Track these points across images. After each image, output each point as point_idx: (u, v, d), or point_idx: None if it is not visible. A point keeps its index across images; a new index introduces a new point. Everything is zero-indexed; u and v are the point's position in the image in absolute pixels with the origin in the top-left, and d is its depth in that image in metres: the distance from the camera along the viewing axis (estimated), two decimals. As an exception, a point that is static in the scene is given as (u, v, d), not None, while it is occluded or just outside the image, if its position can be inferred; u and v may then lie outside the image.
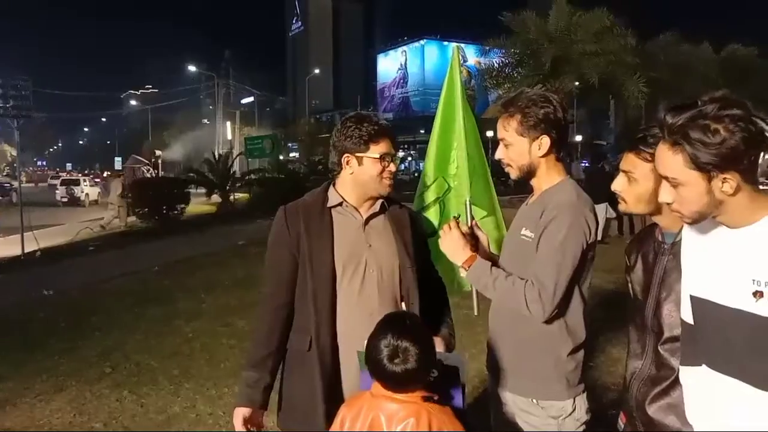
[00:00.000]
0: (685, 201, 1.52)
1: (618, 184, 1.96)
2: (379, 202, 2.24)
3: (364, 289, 2.15)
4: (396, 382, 1.74)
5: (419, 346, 1.74)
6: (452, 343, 2.35)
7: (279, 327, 2.20)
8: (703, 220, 1.57)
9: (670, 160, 1.49)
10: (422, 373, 1.74)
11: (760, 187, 1.51)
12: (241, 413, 2.15)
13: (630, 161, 1.92)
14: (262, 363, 2.20)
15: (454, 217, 2.35)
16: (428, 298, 2.29)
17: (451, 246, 2.19)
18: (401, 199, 2.38)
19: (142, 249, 13.94)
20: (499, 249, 2.38)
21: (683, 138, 1.45)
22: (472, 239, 2.28)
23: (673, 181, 1.51)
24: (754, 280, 1.48)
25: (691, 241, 1.72)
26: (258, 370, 2.19)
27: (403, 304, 2.23)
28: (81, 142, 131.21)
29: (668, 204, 1.57)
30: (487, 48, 20.03)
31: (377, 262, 2.17)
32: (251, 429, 2.13)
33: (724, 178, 1.44)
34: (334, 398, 2.03)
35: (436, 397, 1.79)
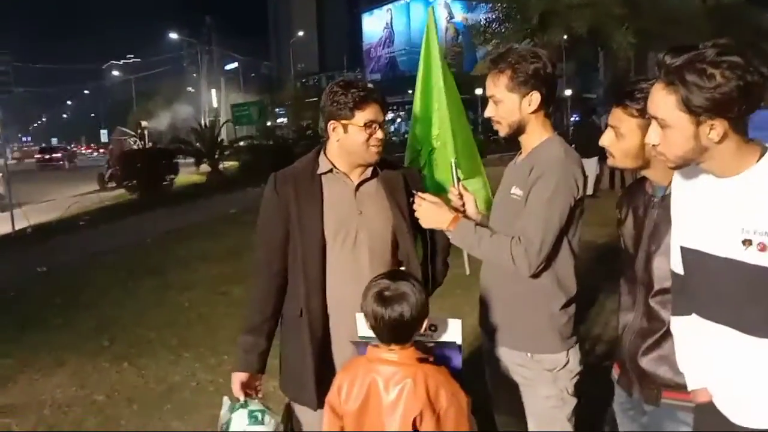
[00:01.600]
0: (670, 144, 1.52)
1: (606, 140, 1.95)
2: (371, 167, 2.22)
3: (355, 255, 2.15)
4: (392, 331, 1.77)
5: (413, 289, 1.78)
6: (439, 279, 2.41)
7: (273, 293, 2.22)
8: (686, 165, 1.58)
9: (663, 100, 1.49)
10: (417, 321, 1.77)
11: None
12: (238, 378, 2.18)
13: (617, 116, 1.91)
14: (257, 329, 2.22)
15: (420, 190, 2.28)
16: (428, 254, 2.31)
17: (429, 215, 2.16)
18: (392, 161, 2.36)
19: (133, 221, 13.89)
20: (488, 208, 2.38)
21: (678, 79, 1.44)
22: (460, 199, 2.28)
23: (662, 122, 1.51)
24: (743, 229, 1.50)
25: (680, 192, 1.72)
26: (254, 336, 2.22)
27: (403, 269, 2.23)
28: (65, 116, 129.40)
29: (654, 146, 1.57)
30: (474, 3, 19.75)
31: (369, 228, 2.16)
32: (249, 393, 2.15)
33: (712, 125, 1.45)
34: (324, 364, 2.08)
35: (431, 359, 1.82)
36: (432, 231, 2.26)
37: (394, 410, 1.75)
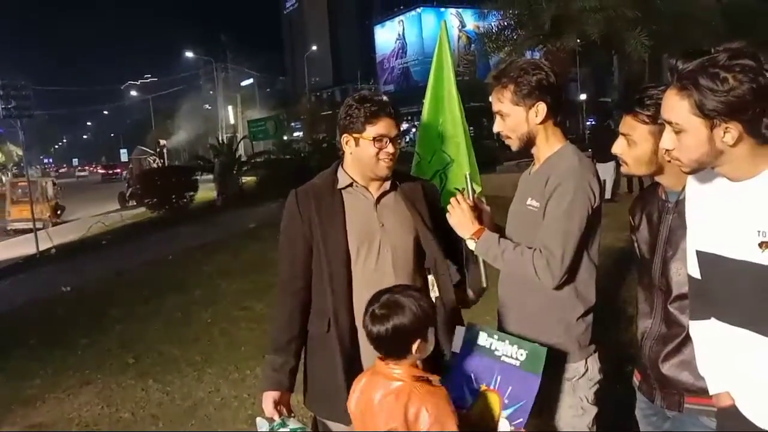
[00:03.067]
0: (685, 148, 1.53)
1: (618, 147, 1.96)
2: (389, 180, 2.23)
3: (379, 268, 2.16)
4: (380, 346, 1.82)
5: (404, 303, 1.79)
6: (483, 285, 2.43)
7: (298, 311, 2.23)
8: (701, 169, 1.59)
9: (676, 105, 1.50)
10: (406, 335, 1.78)
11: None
12: (270, 397, 2.18)
13: (628, 124, 1.92)
14: (285, 347, 2.23)
15: (458, 190, 2.36)
16: (455, 260, 2.32)
17: (460, 219, 2.19)
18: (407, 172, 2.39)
19: (154, 239, 14.06)
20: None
21: (692, 83, 1.45)
22: (476, 211, 2.30)
23: (676, 126, 1.52)
24: (759, 231, 1.50)
25: (694, 197, 1.73)
26: (282, 355, 2.23)
27: (431, 277, 2.25)
28: (85, 137, 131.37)
29: (668, 151, 1.58)
30: (485, 11, 19.72)
31: (391, 240, 2.18)
32: (282, 411, 2.16)
33: (726, 128, 1.45)
34: (354, 378, 2.06)
35: (430, 378, 1.82)
36: (456, 239, 2.28)
37: (375, 423, 1.81)
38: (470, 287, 2.41)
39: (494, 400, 1.93)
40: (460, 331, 2.00)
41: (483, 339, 1.99)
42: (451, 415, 1.75)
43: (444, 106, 2.96)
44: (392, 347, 1.82)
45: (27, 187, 17.46)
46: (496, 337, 1.97)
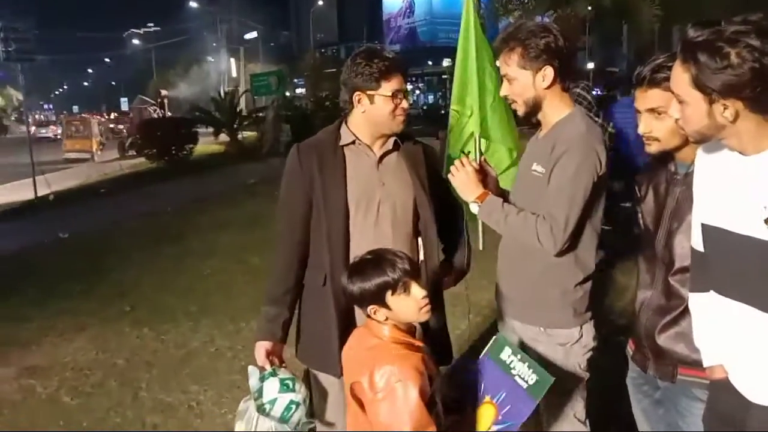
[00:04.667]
0: (687, 119, 1.52)
1: (646, 125, 1.88)
2: (392, 139, 2.21)
3: (378, 226, 2.16)
4: (355, 302, 1.89)
5: (381, 261, 1.82)
6: (465, 268, 2.41)
7: (295, 264, 2.24)
8: (707, 140, 1.57)
9: (679, 76, 1.48)
10: (363, 299, 1.83)
11: None
12: (263, 347, 2.20)
13: (657, 97, 1.84)
14: (280, 299, 2.24)
15: (464, 153, 2.33)
16: (446, 229, 2.31)
17: (464, 182, 2.18)
18: (411, 134, 2.36)
19: (153, 190, 14.04)
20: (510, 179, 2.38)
21: (691, 57, 1.43)
22: (481, 174, 2.27)
23: (678, 97, 1.51)
24: (765, 207, 1.48)
25: (703, 169, 1.70)
26: (277, 306, 2.24)
27: (420, 240, 2.24)
28: (86, 84, 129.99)
29: (676, 120, 1.57)
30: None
31: (391, 199, 2.17)
32: (274, 361, 2.18)
33: (725, 104, 1.43)
34: (348, 332, 2.07)
35: (414, 342, 1.85)
36: (451, 207, 2.26)
37: (348, 374, 1.89)
38: (454, 263, 2.40)
39: (489, 414, 1.92)
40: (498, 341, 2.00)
41: (506, 354, 1.96)
42: (416, 379, 1.72)
43: (468, 67, 2.94)
44: (361, 308, 1.87)
45: (80, 125, 25.53)
46: (518, 356, 1.93)
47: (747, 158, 1.52)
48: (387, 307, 1.81)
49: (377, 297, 1.80)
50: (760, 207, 1.49)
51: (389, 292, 1.79)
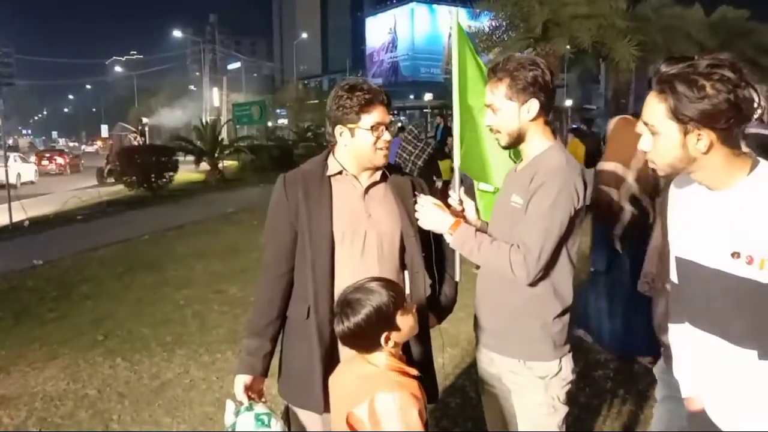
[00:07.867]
0: (659, 151, 1.56)
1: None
2: (380, 171, 2.21)
3: (363, 258, 2.14)
4: (348, 343, 1.83)
5: (361, 300, 1.77)
6: (451, 304, 2.41)
7: (279, 296, 2.20)
8: (675, 174, 1.63)
9: (654, 107, 1.53)
10: (363, 329, 1.76)
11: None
12: (242, 380, 2.15)
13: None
14: (262, 331, 2.20)
15: (435, 183, 2.32)
16: (434, 263, 2.31)
17: (431, 218, 2.17)
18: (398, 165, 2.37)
19: (130, 217, 13.88)
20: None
21: (669, 88, 1.48)
22: (460, 205, 2.28)
23: (652, 128, 1.55)
24: (732, 242, 1.53)
25: (675, 203, 1.75)
26: (258, 338, 2.20)
27: (406, 273, 2.23)
28: (66, 110, 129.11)
29: (645, 153, 1.60)
30: (478, 11, 19.77)
31: (377, 231, 2.16)
32: (252, 396, 2.13)
33: (699, 135, 1.47)
34: (331, 366, 2.04)
35: (408, 370, 1.80)
36: (440, 242, 2.26)
37: (338, 405, 1.85)
38: (441, 300, 2.40)
39: None
40: None
41: None
42: (417, 407, 1.71)
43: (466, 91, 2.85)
44: (359, 344, 1.82)
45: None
46: None
47: (715, 193, 1.56)
48: (397, 328, 1.79)
49: (388, 321, 1.77)
50: (727, 241, 1.53)
51: (399, 312, 1.78)
